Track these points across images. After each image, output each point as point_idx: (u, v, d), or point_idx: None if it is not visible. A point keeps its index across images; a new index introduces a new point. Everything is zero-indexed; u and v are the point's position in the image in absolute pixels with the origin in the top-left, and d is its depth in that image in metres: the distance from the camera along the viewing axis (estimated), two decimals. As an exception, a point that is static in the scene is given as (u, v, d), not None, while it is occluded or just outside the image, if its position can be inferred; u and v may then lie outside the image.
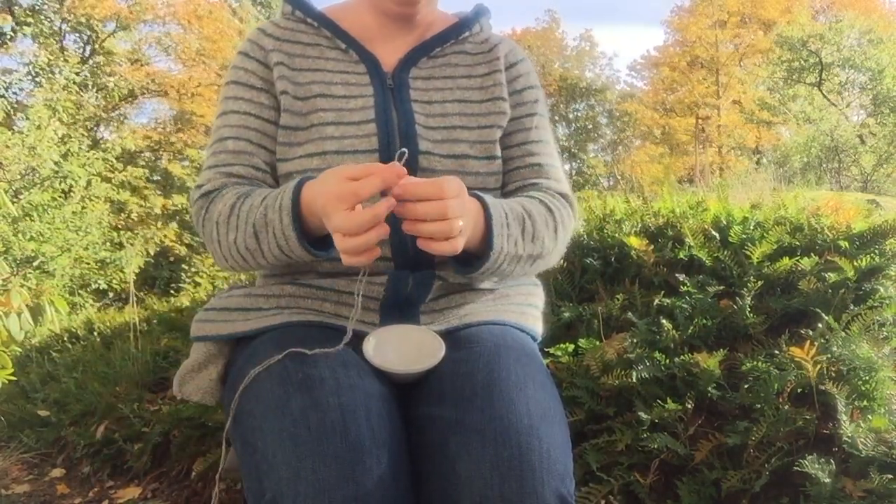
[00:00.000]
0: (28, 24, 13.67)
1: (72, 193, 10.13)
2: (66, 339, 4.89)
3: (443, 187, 0.82)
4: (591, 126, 27.52)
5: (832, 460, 1.26)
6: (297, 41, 1.09)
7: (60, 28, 15.25)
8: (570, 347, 1.67)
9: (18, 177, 9.40)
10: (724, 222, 2.00)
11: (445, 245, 0.83)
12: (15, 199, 8.91)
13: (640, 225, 2.13)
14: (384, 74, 1.07)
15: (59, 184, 9.95)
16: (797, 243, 1.85)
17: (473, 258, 0.94)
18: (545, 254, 1.00)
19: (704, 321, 1.63)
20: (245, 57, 1.08)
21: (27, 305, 2.41)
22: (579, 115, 27.47)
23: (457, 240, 0.83)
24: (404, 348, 0.92)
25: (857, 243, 1.81)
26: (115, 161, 12.22)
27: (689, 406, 1.44)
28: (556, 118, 26.70)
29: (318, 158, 1.00)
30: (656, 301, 1.76)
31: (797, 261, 1.72)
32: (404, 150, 0.86)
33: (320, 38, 1.10)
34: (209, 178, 1.03)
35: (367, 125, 1.02)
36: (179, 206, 14.72)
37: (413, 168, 1.01)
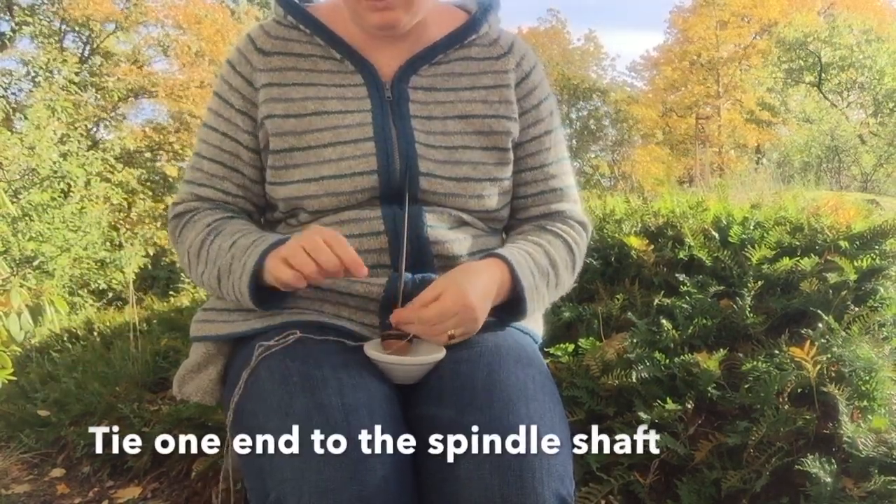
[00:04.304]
0: (27, 24, 13.66)
1: (71, 193, 10.12)
2: (66, 339, 4.87)
3: (432, 319, 0.89)
4: (594, 126, 27.48)
5: (832, 460, 1.26)
6: (290, 52, 1.03)
7: (59, 28, 15.24)
8: (570, 347, 1.67)
9: (18, 177, 9.40)
10: (724, 222, 2.00)
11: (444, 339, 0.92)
12: (14, 199, 8.88)
13: (640, 225, 2.13)
14: (382, 85, 1.02)
15: (59, 184, 9.94)
16: (797, 243, 1.85)
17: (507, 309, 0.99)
18: (562, 292, 1.08)
19: (704, 321, 1.63)
20: (231, 70, 1.04)
21: (27, 305, 2.41)
22: (582, 115, 27.43)
23: (453, 339, 0.91)
24: (404, 348, 0.92)
25: (857, 243, 1.81)
26: (114, 161, 12.21)
27: (689, 406, 1.44)
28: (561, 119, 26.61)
29: (316, 184, 0.97)
30: (656, 301, 1.76)
31: (797, 261, 1.72)
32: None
33: (314, 46, 1.03)
34: (183, 197, 1.06)
35: (364, 143, 0.98)
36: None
37: (414, 189, 0.98)
